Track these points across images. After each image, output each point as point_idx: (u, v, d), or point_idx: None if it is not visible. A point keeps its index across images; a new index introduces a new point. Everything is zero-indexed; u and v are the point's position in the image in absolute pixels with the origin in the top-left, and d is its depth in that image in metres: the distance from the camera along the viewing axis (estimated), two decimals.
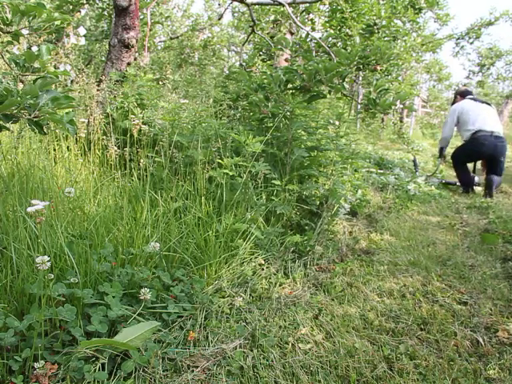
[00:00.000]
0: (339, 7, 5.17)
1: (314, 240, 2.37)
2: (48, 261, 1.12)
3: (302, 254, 2.25)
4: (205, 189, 2.25)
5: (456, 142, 7.40)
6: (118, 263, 1.59)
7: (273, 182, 2.41)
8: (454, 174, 5.12)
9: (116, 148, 2.33)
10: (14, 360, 1.12)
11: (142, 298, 1.43)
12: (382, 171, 4.99)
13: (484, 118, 4.71)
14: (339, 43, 5.42)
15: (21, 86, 1.66)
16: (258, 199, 2.33)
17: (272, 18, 6.81)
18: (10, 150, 2.22)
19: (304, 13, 6.40)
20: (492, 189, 4.45)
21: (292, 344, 1.42)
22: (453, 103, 5.28)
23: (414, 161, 5.58)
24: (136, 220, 1.90)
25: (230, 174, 2.22)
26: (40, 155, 2.17)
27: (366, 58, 2.74)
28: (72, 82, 3.14)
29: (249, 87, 2.77)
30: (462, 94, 5.19)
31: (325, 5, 5.95)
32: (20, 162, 2.07)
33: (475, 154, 4.79)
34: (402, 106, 2.56)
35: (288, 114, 2.56)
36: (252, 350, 1.37)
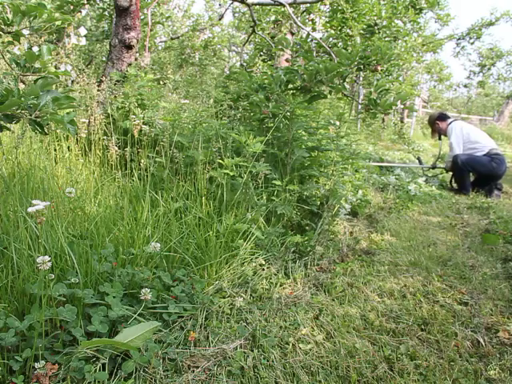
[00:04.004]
0: (340, 7, 5.17)
1: (315, 240, 2.37)
2: (49, 261, 1.12)
3: (303, 255, 2.25)
4: (205, 189, 2.25)
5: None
6: (118, 263, 1.59)
7: (273, 182, 2.41)
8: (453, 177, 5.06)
9: (117, 148, 2.34)
10: (14, 360, 1.12)
11: (142, 298, 1.43)
12: (382, 164, 4.98)
13: (490, 138, 4.71)
14: (340, 43, 5.43)
15: (21, 86, 1.66)
16: (258, 199, 2.33)
17: (273, 18, 6.81)
18: (11, 150, 2.22)
19: (305, 13, 6.40)
20: (497, 186, 4.46)
21: (292, 344, 1.42)
22: (433, 130, 5.14)
23: (419, 159, 5.52)
24: (137, 220, 1.90)
25: (231, 174, 2.22)
26: (41, 155, 2.18)
27: (367, 59, 2.74)
28: (73, 82, 3.14)
29: (249, 87, 2.77)
30: (442, 118, 4.98)
31: (325, 5, 5.95)
32: (21, 162, 2.07)
33: (491, 172, 4.62)
34: (402, 107, 2.56)
35: (288, 114, 2.56)
36: (252, 351, 1.37)
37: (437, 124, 5.02)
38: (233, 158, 2.28)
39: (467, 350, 1.47)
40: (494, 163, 4.55)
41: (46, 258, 1.12)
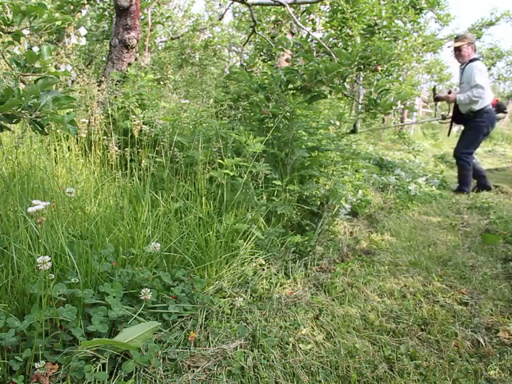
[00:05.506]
0: (340, 7, 5.17)
1: (315, 240, 2.37)
2: (49, 261, 1.12)
3: (303, 255, 2.25)
4: (205, 189, 2.25)
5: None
6: (118, 263, 1.59)
7: (273, 182, 2.41)
8: (456, 174, 4.99)
9: (117, 148, 2.34)
10: (14, 360, 1.12)
11: (142, 298, 1.43)
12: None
13: (491, 91, 4.49)
14: (340, 43, 5.43)
15: (22, 86, 1.66)
16: (258, 199, 2.33)
17: (273, 18, 6.81)
18: (11, 150, 2.22)
19: (305, 13, 6.40)
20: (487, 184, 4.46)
21: (293, 344, 1.42)
22: (457, 49, 4.38)
23: (434, 89, 5.00)
24: (137, 220, 1.90)
25: (231, 174, 2.22)
26: (41, 155, 2.18)
27: (367, 59, 2.74)
28: (73, 82, 3.14)
29: (249, 87, 2.77)
30: (475, 48, 4.42)
31: (326, 5, 5.95)
32: (21, 162, 2.07)
33: (486, 134, 4.45)
34: (402, 107, 2.56)
35: (288, 114, 2.56)
36: (253, 351, 1.37)
37: (471, 47, 4.40)
38: (233, 158, 2.28)
39: (467, 349, 1.47)
40: (491, 120, 4.40)
41: (46, 258, 1.12)
